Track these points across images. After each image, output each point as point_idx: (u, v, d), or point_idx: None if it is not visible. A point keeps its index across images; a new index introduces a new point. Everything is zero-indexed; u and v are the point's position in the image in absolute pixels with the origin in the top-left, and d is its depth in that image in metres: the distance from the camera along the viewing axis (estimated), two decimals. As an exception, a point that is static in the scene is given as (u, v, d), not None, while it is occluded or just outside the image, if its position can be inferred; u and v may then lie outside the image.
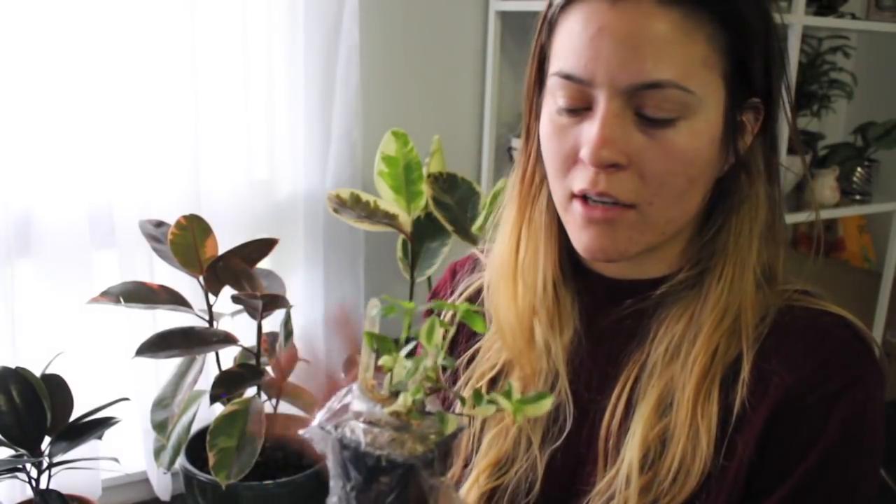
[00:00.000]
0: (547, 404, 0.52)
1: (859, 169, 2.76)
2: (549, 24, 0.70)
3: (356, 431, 0.52)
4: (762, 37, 0.67)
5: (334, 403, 0.55)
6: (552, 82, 0.68)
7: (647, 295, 0.74)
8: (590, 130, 0.65)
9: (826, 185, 2.64)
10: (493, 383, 0.80)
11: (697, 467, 0.66)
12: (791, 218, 2.65)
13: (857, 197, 2.78)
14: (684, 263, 0.74)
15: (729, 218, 0.71)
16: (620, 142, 0.65)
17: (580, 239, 0.70)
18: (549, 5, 0.70)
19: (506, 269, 0.78)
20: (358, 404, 0.54)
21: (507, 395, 0.52)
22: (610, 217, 0.67)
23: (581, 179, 0.67)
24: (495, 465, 0.77)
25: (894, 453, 1.07)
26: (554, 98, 0.69)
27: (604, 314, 0.76)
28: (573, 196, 0.69)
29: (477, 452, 0.79)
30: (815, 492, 0.66)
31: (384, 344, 0.53)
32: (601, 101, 0.65)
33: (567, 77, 0.66)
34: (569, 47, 0.66)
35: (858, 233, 3.16)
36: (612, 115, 0.64)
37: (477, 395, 0.53)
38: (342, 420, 0.53)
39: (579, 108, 0.67)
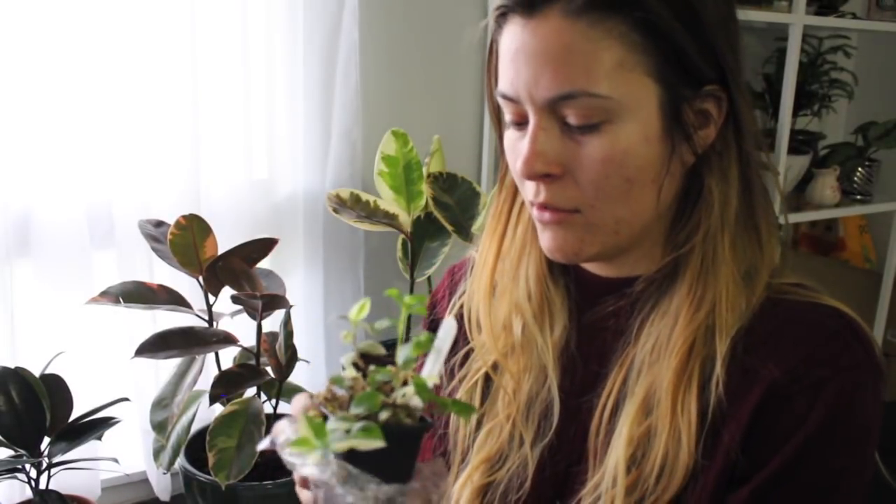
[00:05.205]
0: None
1: (860, 169, 2.76)
2: (494, 44, 0.73)
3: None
4: (685, 27, 0.65)
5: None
6: (498, 100, 0.72)
7: (625, 292, 0.75)
8: (524, 145, 0.69)
9: (826, 185, 2.64)
10: (487, 380, 0.81)
11: (681, 465, 0.66)
12: (791, 218, 2.65)
13: (858, 197, 2.78)
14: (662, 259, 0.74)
15: (697, 210, 0.71)
16: (550, 153, 0.68)
17: (542, 240, 0.74)
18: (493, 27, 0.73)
19: (487, 268, 0.80)
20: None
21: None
22: (558, 220, 0.71)
23: (528, 191, 0.72)
24: (488, 462, 0.78)
25: (894, 451, 1.07)
26: (505, 114, 0.73)
27: (590, 311, 0.77)
28: (532, 202, 0.72)
29: (472, 448, 0.79)
30: (792, 480, 0.65)
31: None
32: (531, 116, 0.68)
33: (502, 96, 0.70)
34: (501, 67, 0.70)
35: (859, 233, 3.16)
36: (540, 129, 0.68)
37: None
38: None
39: (522, 123, 0.70)
